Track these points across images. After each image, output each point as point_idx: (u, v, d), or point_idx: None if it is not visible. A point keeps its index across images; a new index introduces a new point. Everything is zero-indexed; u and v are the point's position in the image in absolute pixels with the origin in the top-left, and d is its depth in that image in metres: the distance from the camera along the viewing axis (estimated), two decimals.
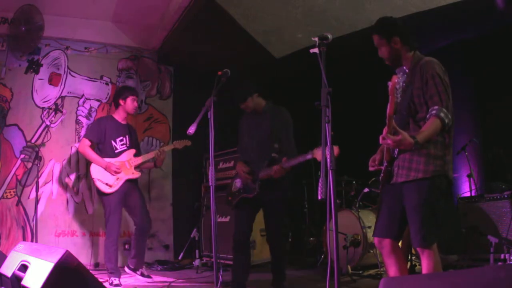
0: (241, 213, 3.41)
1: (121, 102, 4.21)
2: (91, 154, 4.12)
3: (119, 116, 4.26)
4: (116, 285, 3.86)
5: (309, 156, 2.96)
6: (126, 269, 4.18)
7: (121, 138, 4.21)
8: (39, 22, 4.90)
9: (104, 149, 4.16)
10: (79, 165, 5.30)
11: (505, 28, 4.48)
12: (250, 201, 3.34)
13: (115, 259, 3.99)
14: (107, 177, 4.07)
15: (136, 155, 4.25)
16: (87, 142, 4.15)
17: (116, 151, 4.18)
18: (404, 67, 1.95)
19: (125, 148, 4.22)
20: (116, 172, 4.06)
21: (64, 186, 5.20)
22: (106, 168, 4.06)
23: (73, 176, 5.27)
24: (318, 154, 2.89)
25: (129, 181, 4.14)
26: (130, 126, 4.42)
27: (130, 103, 4.20)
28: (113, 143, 4.17)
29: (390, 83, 1.98)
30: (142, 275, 4.14)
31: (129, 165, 4.16)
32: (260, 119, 3.43)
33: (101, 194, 4.10)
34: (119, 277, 3.93)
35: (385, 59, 2.40)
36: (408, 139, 2.04)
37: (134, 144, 4.32)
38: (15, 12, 4.82)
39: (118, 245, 4.08)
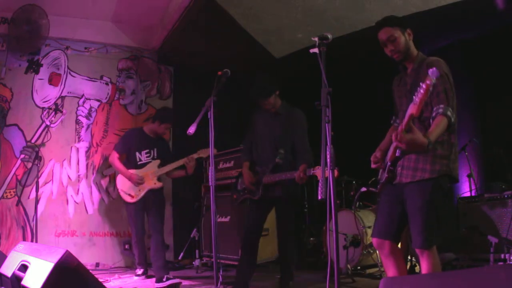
0: (250, 213, 3.44)
1: (157, 122, 4.35)
2: (118, 166, 4.34)
3: (149, 130, 4.41)
4: (139, 275, 4.36)
5: (310, 173, 3.03)
6: (156, 284, 4.12)
7: (147, 150, 4.36)
8: (43, 21, 4.91)
9: (129, 160, 4.37)
10: (79, 166, 5.30)
11: (505, 28, 4.48)
12: (257, 202, 3.37)
13: (139, 256, 4.40)
14: (130, 187, 4.29)
15: (160, 165, 4.35)
16: (115, 154, 4.40)
17: (139, 163, 4.32)
18: (436, 69, 1.87)
19: (150, 160, 4.35)
20: (139, 183, 4.24)
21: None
22: (129, 179, 4.25)
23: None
24: (318, 172, 2.93)
25: (153, 192, 4.28)
26: (160, 139, 4.50)
27: (163, 129, 4.36)
28: (138, 154, 4.34)
29: (424, 85, 1.86)
30: (168, 279, 4.06)
31: (152, 176, 4.31)
32: (274, 119, 3.42)
33: (124, 202, 4.39)
34: (144, 269, 4.38)
35: (397, 52, 2.32)
36: (422, 138, 1.98)
37: (164, 155, 4.41)
38: (16, 12, 4.82)
39: (143, 245, 4.42)
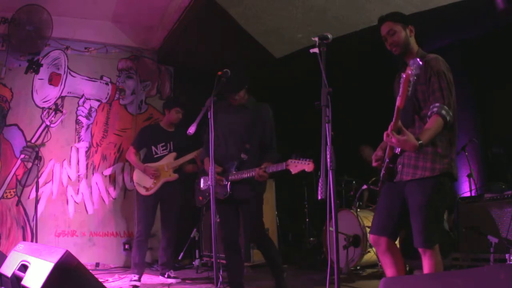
0: (222, 214, 3.31)
1: (166, 111, 4.48)
2: (134, 160, 4.37)
3: (165, 123, 4.47)
4: (135, 280, 4.02)
5: (283, 167, 2.87)
6: (160, 277, 4.40)
7: (163, 144, 4.39)
8: (46, 22, 4.91)
9: (146, 154, 4.43)
10: (79, 166, 5.30)
11: (505, 28, 4.48)
12: (225, 201, 3.22)
13: (138, 256, 4.12)
14: (145, 180, 4.26)
15: (176, 158, 4.35)
16: (132, 150, 4.40)
17: (155, 156, 4.34)
18: (418, 59, 1.90)
19: (167, 153, 4.36)
20: (154, 175, 4.22)
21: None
22: (144, 172, 4.24)
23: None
24: (292, 166, 2.82)
25: (168, 185, 4.26)
26: (177, 132, 4.50)
27: (174, 114, 4.40)
28: (154, 148, 4.37)
29: (403, 74, 1.91)
30: (169, 277, 4.32)
31: (167, 168, 4.31)
32: (240, 113, 3.25)
33: (137, 193, 4.35)
34: (139, 275, 4.08)
35: (396, 45, 2.34)
36: (413, 140, 2.01)
37: (181, 148, 4.37)
38: (18, 12, 4.82)
39: (145, 245, 4.22)
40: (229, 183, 3.16)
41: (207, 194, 3.33)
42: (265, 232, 3.33)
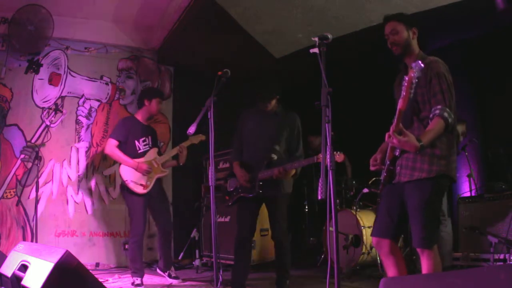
0: (243, 212, 3.42)
1: (146, 102, 4.20)
2: (120, 155, 4.03)
3: (141, 116, 4.24)
4: (138, 285, 3.92)
5: (314, 160, 3.04)
6: (158, 271, 4.35)
7: (144, 138, 4.19)
8: (47, 22, 4.90)
9: (126, 149, 4.08)
10: (79, 166, 5.30)
11: (505, 28, 4.48)
12: (250, 199, 3.36)
13: (139, 259, 4.01)
14: (140, 177, 4.03)
15: (158, 153, 4.26)
16: (114, 142, 4.06)
17: (139, 151, 4.13)
18: (420, 62, 1.92)
19: (148, 148, 4.20)
20: (148, 172, 4.03)
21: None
22: (137, 169, 4.00)
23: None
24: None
25: (157, 181, 4.16)
26: (151, 127, 4.43)
27: (155, 105, 4.20)
28: (137, 143, 4.14)
29: (406, 77, 1.93)
30: (170, 276, 4.24)
31: (156, 164, 4.16)
32: (270, 118, 3.44)
33: (130, 193, 4.02)
34: (141, 277, 3.98)
35: (397, 44, 2.36)
36: (414, 142, 2.03)
37: (155, 145, 4.32)
38: (19, 12, 4.81)
39: (142, 245, 4.11)
40: (258, 182, 3.30)
41: (234, 193, 3.50)
42: (286, 233, 3.41)
